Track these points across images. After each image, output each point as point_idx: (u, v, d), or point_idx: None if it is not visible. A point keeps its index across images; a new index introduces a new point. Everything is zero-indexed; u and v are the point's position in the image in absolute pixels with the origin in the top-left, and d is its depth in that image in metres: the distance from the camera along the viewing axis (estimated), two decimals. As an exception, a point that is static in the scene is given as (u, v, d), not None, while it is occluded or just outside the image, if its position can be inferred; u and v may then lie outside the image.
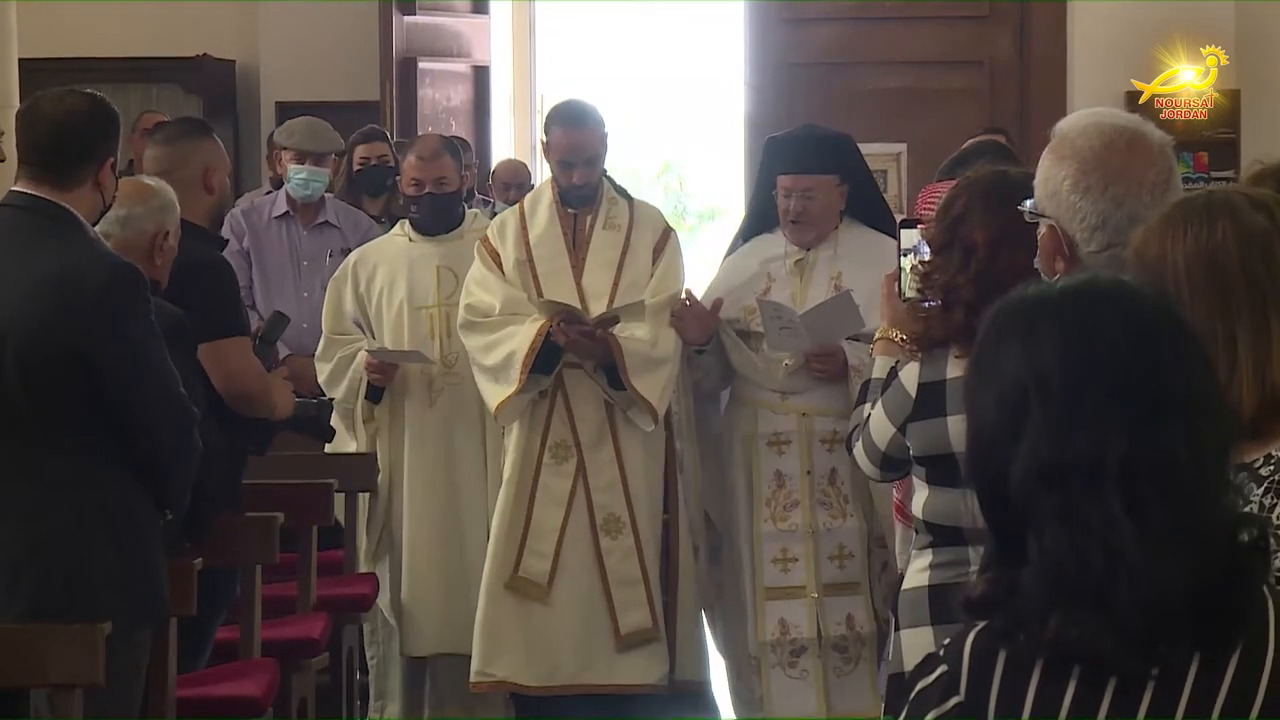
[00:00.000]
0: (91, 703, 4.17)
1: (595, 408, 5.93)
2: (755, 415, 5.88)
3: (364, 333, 6.30)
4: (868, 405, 3.98)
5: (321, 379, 6.25)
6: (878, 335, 4.13)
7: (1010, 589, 1.95)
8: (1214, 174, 9.66)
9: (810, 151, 5.92)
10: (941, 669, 1.98)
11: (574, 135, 6.00)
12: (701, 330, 5.87)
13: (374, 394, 6.22)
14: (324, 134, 7.79)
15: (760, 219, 6.07)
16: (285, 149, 7.73)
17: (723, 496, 6.00)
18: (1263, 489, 2.48)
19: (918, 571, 3.78)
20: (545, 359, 5.83)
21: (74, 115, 4.36)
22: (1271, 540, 2.05)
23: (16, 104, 5.50)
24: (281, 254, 7.55)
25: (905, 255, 3.90)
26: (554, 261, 5.99)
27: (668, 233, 6.10)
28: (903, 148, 10.35)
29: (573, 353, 5.85)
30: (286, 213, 7.63)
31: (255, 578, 5.45)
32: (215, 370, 4.83)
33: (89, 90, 4.49)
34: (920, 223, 3.93)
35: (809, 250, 5.89)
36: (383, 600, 6.39)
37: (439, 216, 6.34)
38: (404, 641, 6.39)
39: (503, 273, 5.98)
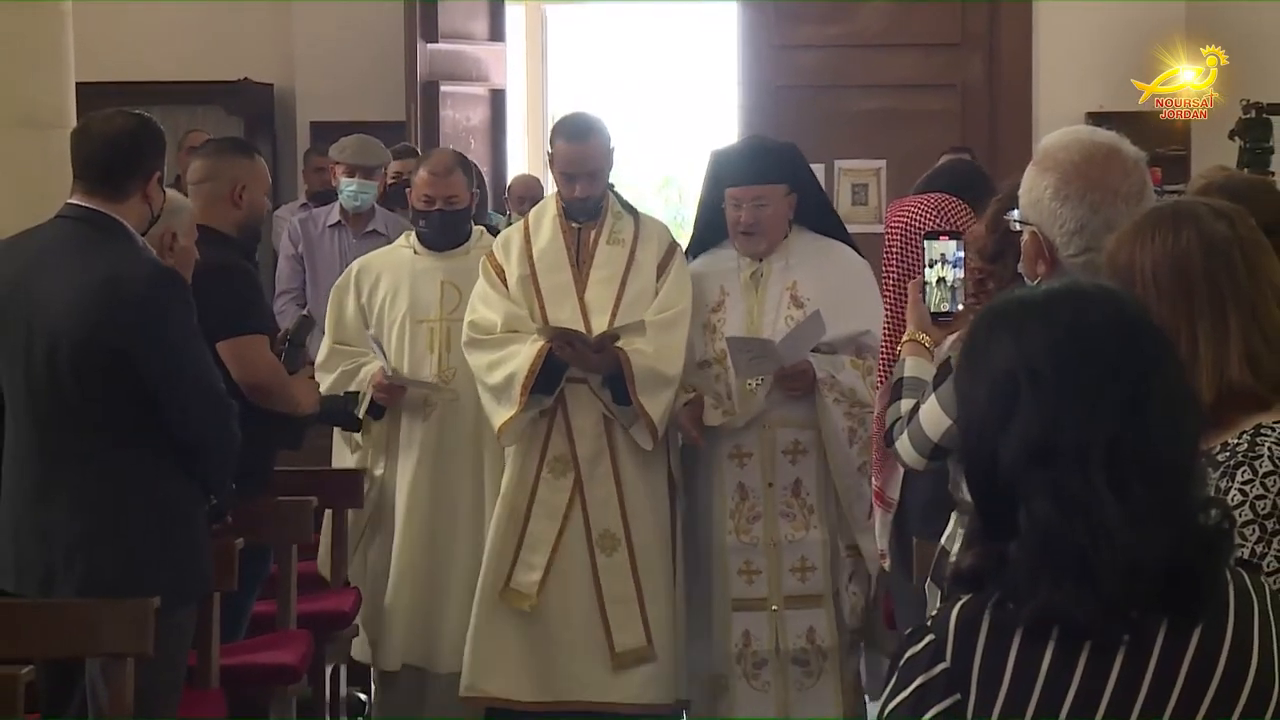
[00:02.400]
0: (141, 671, 4.16)
1: (595, 423, 5.45)
2: (717, 429, 5.43)
3: (378, 350, 5.71)
4: (905, 401, 3.87)
5: (323, 389, 5.57)
6: (906, 338, 4.02)
7: (999, 561, 1.94)
8: (1167, 188, 9.57)
9: (758, 162, 5.47)
10: (929, 638, 1.97)
11: (577, 148, 5.56)
12: (701, 429, 5.43)
13: (376, 411, 5.72)
14: (373, 149, 7.86)
15: (708, 234, 5.64)
16: (338, 163, 7.83)
17: (691, 510, 5.59)
18: (1219, 473, 2.51)
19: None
20: (546, 379, 5.37)
21: (122, 133, 4.33)
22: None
23: (74, 124, 5.46)
24: (331, 259, 7.58)
25: (931, 266, 3.82)
26: (556, 276, 5.52)
27: (674, 248, 5.58)
28: (882, 164, 10.34)
29: (577, 367, 5.38)
30: (339, 222, 7.77)
31: (291, 556, 5.44)
32: (230, 365, 4.81)
33: (137, 110, 4.47)
34: (944, 235, 3.84)
35: (761, 261, 5.47)
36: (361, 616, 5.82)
37: (448, 232, 5.81)
38: (383, 655, 5.78)
39: (507, 288, 5.52)
